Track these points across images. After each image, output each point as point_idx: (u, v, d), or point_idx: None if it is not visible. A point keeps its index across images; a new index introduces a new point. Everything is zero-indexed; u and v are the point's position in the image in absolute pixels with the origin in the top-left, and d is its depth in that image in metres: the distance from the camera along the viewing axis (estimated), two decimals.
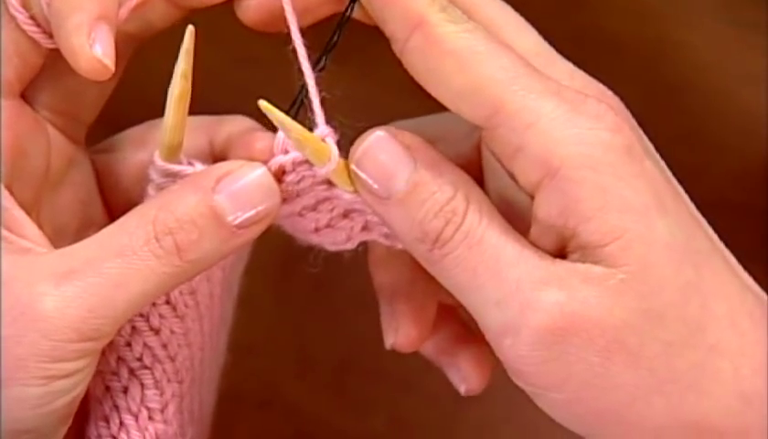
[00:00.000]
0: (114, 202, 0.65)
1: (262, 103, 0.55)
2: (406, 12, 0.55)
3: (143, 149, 0.63)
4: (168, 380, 0.61)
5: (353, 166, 0.56)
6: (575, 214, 0.54)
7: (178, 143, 0.59)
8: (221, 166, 0.57)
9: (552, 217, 0.55)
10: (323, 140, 0.57)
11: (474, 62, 0.55)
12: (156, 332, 0.61)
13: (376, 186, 0.56)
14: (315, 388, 0.96)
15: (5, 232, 0.55)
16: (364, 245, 0.65)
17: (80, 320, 0.53)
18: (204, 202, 0.55)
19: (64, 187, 0.63)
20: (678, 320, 0.54)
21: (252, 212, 0.56)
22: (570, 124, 0.54)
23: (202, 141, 0.65)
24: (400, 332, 0.65)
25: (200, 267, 0.56)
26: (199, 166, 0.59)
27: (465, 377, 0.67)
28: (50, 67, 0.59)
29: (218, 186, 0.56)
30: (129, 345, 0.60)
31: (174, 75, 0.57)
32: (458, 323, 0.68)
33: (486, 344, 0.58)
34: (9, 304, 0.53)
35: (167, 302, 0.61)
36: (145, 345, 0.61)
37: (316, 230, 0.61)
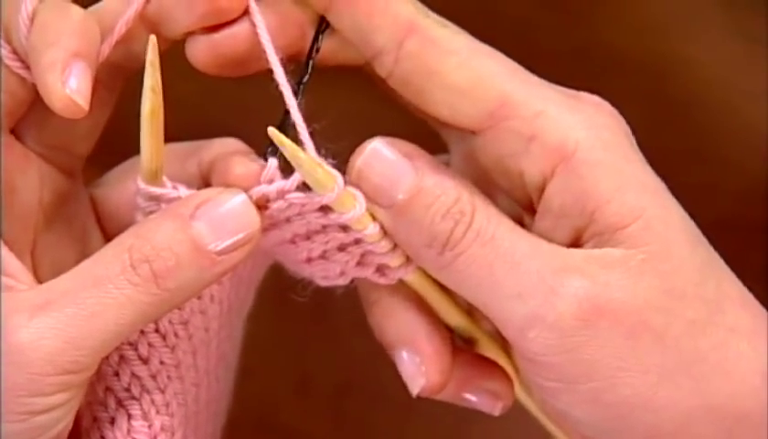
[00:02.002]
0: (113, 235, 0.64)
1: (272, 131, 0.55)
2: (395, 19, 0.55)
3: (134, 179, 0.62)
4: (157, 412, 0.60)
5: (354, 177, 0.56)
6: (593, 197, 0.54)
7: (157, 163, 0.57)
8: (201, 194, 0.56)
9: (567, 205, 0.55)
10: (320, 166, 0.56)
11: (475, 58, 0.55)
12: (145, 361, 0.59)
13: (378, 196, 0.56)
14: (315, 411, 0.95)
15: None
16: None
17: (57, 352, 0.52)
18: (182, 230, 0.55)
19: (59, 222, 0.62)
20: (699, 299, 0.55)
21: (231, 240, 0.55)
22: (576, 110, 0.56)
23: (192, 166, 0.64)
24: (430, 375, 0.63)
25: (182, 296, 0.56)
26: (184, 190, 0.58)
27: (500, 394, 0.65)
28: (39, 101, 0.58)
29: (196, 212, 0.55)
30: (117, 374, 0.59)
31: (143, 91, 0.56)
32: (461, 350, 0.66)
33: (502, 355, 0.60)
34: None
35: (157, 330, 0.60)
36: (133, 374, 0.59)
37: (309, 260, 0.60)
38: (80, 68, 0.54)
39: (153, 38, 0.55)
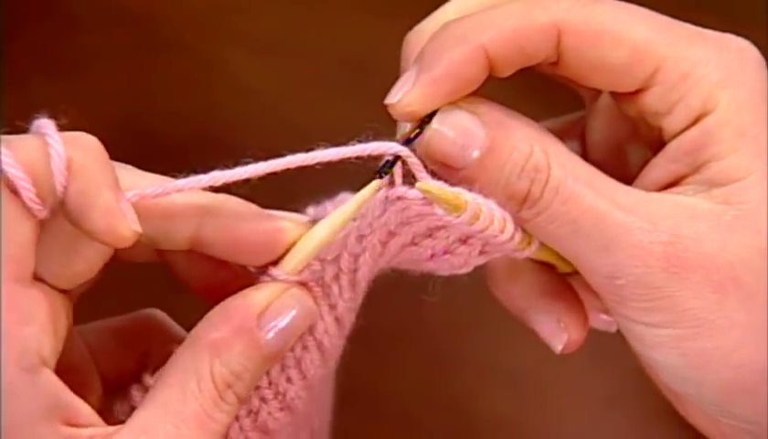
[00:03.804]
0: None
1: (422, 186, 0.55)
2: (540, 28, 0.55)
3: None
4: None
5: (425, 145, 0.56)
6: (708, 152, 0.54)
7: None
8: (257, 298, 0.56)
9: (682, 153, 0.55)
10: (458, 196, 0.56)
11: (626, 29, 0.55)
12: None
13: (451, 159, 0.55)
14: None
15: (66, 430, 0.55)
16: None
17: None
18: (253, 347, 0.56)
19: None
20: None
21: (289, 333, 0.57)
22: (720, 66, 0.55)
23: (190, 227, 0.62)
24: (571, 330, 0.63)
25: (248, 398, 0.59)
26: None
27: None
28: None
29: (261, 322, 0.56)
30: None
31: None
32: (553, 274, 0.67)
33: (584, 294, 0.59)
34: None
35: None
36: None
37: (432, 256, 0.60)
38: (124, 198, 0.55)
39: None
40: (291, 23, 1.14)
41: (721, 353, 0.54)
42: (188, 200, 0.57)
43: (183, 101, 1.02)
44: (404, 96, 0.55)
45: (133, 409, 0.55)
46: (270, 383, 0.58)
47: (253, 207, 0.58)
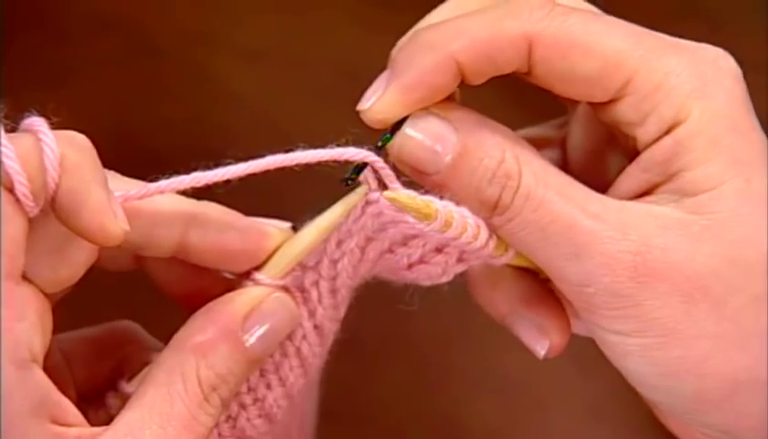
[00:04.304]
0: None
1: (389, 195, 0.55)
2: (510, 40, 0.55)
3: None
4: None
5: (396, 150, 0.56)
6: (680, 162, 0.54)
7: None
8: (241, 302, 0.57)
9: (654, 162, 0.55)
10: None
11: (597, 41, 0.55)
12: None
13: (423, 165, 0.56)
14: None
15: (55, 429, 0.55)
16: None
17: None
18: (238, 351, 0.56)
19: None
20: None
21: (272, 337, 0.57)
22: (695, 75, 0.55)
23: (175, 234, 0.63)
24: (552, 335, 0.63)
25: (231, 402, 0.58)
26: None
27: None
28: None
29: (246, 325, 0.56)
30: None
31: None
32: (534, 279, 0.67)
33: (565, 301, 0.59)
34: None
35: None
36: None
37: (410, 266, 0.60)
38: (113, 197, 0.55)
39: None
40: (280, 31, 1.14)
41: (690, 363, 0.54)
42: (173, 208, 0.57)
43: (172, 109, 1.02)
44: (375, 102, 0.55)
45: (109, 416, 0.55)
46: (249, 389, 0.59)
47: (236, 214, 0.58)
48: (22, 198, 0.51)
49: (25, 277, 0.53)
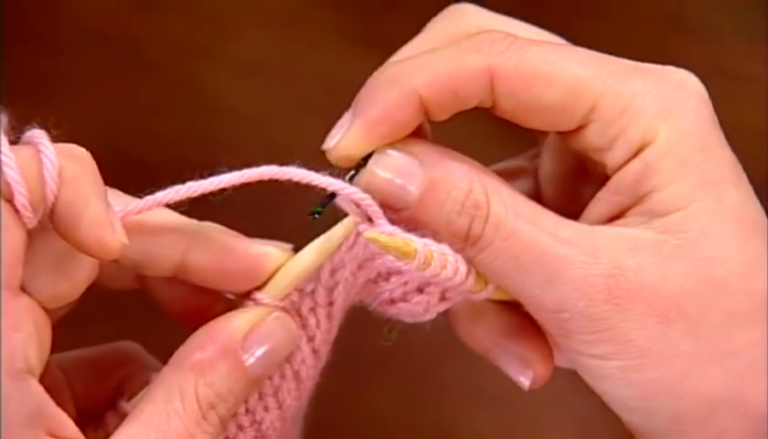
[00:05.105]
0: None
1: (369, 235, 0.55)
2: (472, 74, 0.55)
3: None
4: None
5: (364, 185, 0.56)
6: (649, 183, 0.55)
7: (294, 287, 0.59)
8: (241, 321, 0.56)
9: (624, 185, 0.55)
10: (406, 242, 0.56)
11: (559, 70, 0.55)
12: None
13: (392, 201, 0.55)
14: None
15: None
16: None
17: None
18: (237, 369, 0.55)
19: None
20: (742, 292, 0.54)
21: (272, 357, 0.57)
22: (660, 97, 0.55)
23: (176, 253, 0.63)
24: (536, 366, 0.63)
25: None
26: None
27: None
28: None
29: (246, 345, 0.56)
30: None
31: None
32: (516, 312, 0.67)
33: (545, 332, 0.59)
34: None
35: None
36: None
37: (392, 301, 0.60)
38: (113, 210, 0.55)
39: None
40: (271, 45, 1.14)
41: (668, 383, 0.54)
42: (174, 226, 0.58)
43: (163, 122, 1.01)
44: (340, 140, 0.55)
45: (108, 435, 0.54)
46: (247, 411, 0.58)
47: (237, 234, 0.58)
48: (21, 210, 0.51)
49: (24, 291, 0.53)
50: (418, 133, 0.57)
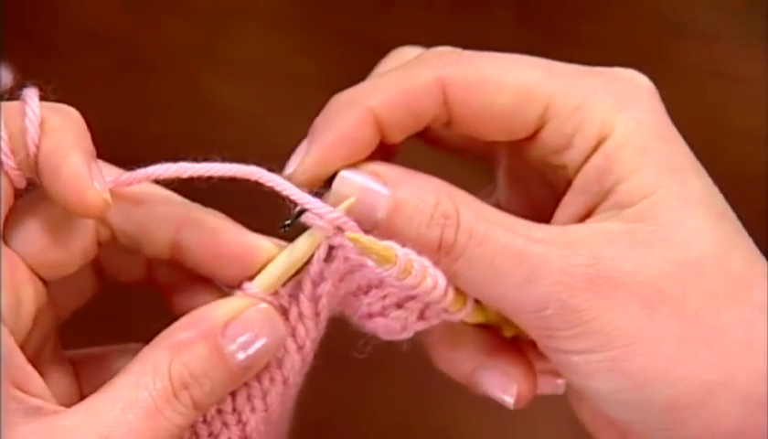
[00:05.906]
0: None
1: (351, 235, 0.55)
2: (425, 88, 0.56)
3: None
4: None
5: (335, 213, 0.56)
6: (612, 176, 0.55)
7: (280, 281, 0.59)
8: (225, 308, 0.56)
9: (589, 182, 0.56)
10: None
11: (509, 74, 0.56)
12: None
13: (360, 221, 0.55)
14: None
15: (15, 392, 0.54)
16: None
17: None
18: (215, 354, 0.55)
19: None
20: (721, 272, 0.54)
21: (261, 352, 0.56)
22: (612, 91, 0.56)
23: (170, 229, 0.63)
24: (521, 385, 0.63)
25: (208, 409, 0.57)
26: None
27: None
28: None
29: (227, 331, 0.55)
30: None
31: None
32: (495, 335, 0.66)
33: (527, 348, 0.59)
34: None
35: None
36: None
37: (370, 316, 0.60)
38: (97, 167, 0.55)
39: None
40: (268, 46, 1.14)
41: (659, 369, 0.54)
42: (169, 201, 0.58)
43: (160, 123, 1.02)
44: (298, 166, 0.56)
45: None
46: (234, 409, 0.58)
47: (232, 221, 0.59)
48: (3, 158, 0.52)
49: (13, 250, 0.54)
50: (386, 157, 0.57)
